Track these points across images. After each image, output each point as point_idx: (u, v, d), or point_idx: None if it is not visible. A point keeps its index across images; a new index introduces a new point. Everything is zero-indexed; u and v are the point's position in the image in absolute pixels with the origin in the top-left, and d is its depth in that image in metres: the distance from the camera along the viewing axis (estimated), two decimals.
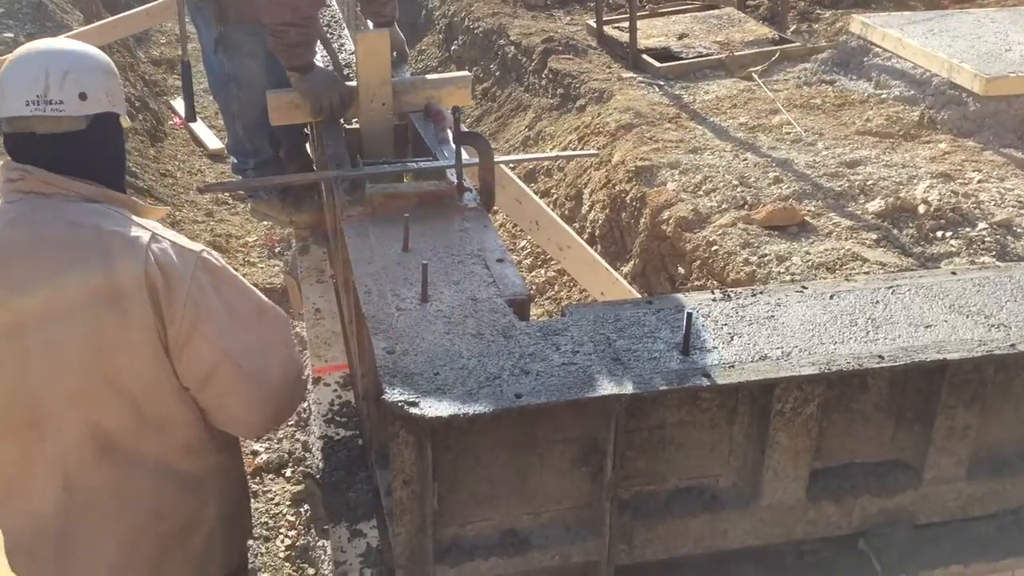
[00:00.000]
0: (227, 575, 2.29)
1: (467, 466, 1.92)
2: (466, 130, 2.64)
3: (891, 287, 2.23)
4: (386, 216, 2.57)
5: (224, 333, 2.04)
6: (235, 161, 3.53)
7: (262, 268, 5.85)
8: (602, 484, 1.96)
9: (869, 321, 2.10)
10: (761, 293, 2.22)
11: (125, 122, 2.17)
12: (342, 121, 3.21)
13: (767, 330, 2.08)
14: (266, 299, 2.21)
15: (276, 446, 4.40)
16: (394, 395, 1.85)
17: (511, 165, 4.27)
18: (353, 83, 3.17)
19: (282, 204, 3.54)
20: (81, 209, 2.00)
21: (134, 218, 2.06)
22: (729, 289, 2.26)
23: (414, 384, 1.89)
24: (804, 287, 2.25)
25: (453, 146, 2.72)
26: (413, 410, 1.82)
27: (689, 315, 1.99)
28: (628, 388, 1.89)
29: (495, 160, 2.76)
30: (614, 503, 1.97)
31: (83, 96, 2.01)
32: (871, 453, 2.10)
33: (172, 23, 6.36)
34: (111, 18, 6.41)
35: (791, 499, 2.05)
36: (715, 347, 2.02)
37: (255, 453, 4.34)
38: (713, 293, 2.23)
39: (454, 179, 2.71)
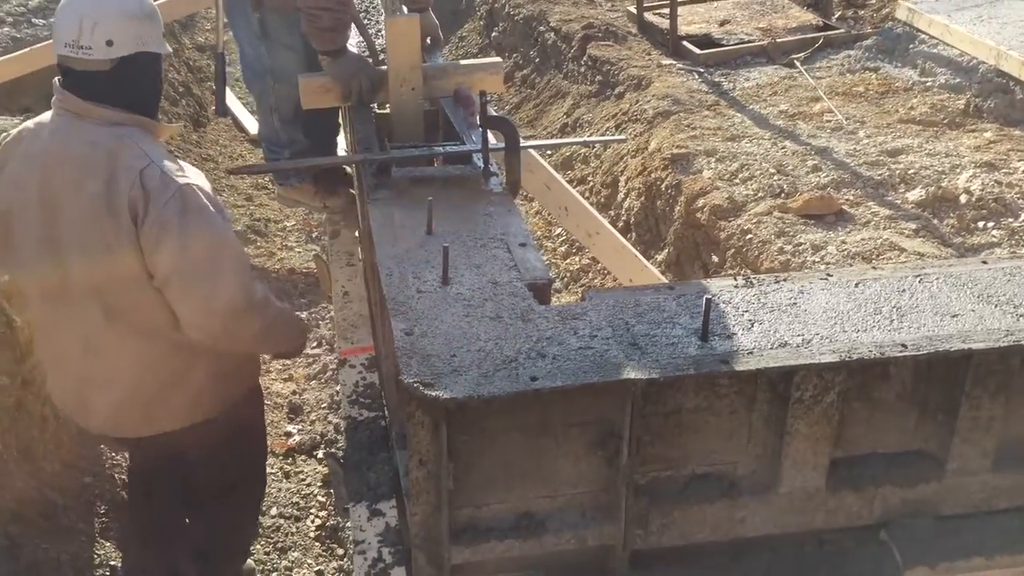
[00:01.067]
0: (224, 413, 2.77)
1: (483, 448, 1.93)
2: (493, 114, 2.63)
3: (919, 276, 2.19)
4: (411, 200, 2.59)
5: (178, 253, 2.45)
6: (269, 150, 3.55)
7: (299, 252, 5.91)
8: (618, 468, 1.96)
9: (894, 309, 2.06)
10: (785, 280, 2.20)
11: (165, 51, 2.60)
12: (373, 106, 3.23)
13: (788, 317, 2.06)
14: (232, 238, 2.63)
15: (308, 428, 4.45)
16: (411, 376, 1.87)
17: (541, 151, 4.26)
18: (384, 68, 3.18)
19: (315, 189, 3.56)
20: (102, 132, 2.47)
21: (144, 144, 2.48)
22: (752, 275, 2.24)
23: (431, 365, 1.90)
24: (829, 274, 2.22)
25: (480, 131, 2.72)
26: (429, 391, 1.83)
27: (708, 301, 1.97)
28: (644, 373, 1.88)
29: (522, 145, 2.76)
30: (630, 488, 1.97)
31: (110, 43, 2.43)
32: (893, 443, 2.07)
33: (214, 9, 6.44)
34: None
35: (810, 487, 2.03)
36: (734, 333, 2.00)
37: (288, 435, 4.39)
38: (735, 279, 2.21)
39: (481, 163, 2.72)
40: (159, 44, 2.57)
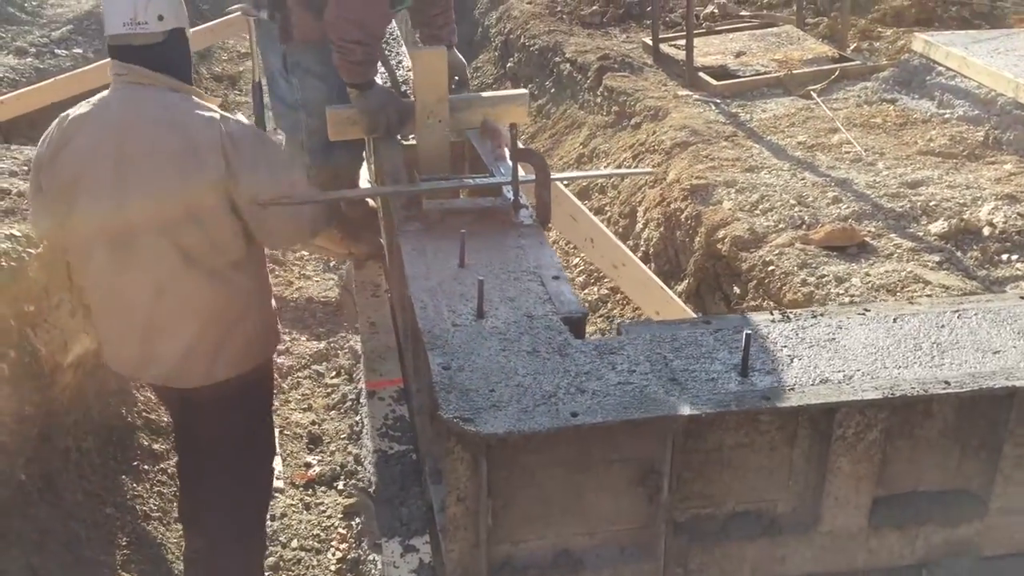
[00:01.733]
0: (258, 366, 3.10)
1: (521, 484, 1.91)
2: (522, 147, 2.64)
3: (957, 311, 2.18)
4: (442, 232, 2.59)
5: (266, 173, 2.84)
6: None
7: (317, 281, 5.91)
8: (658, 506, 1.94)
9: (934, 346, 2.05)
10: (822, 315, 2.19)
11: (188, 32, 2.96)
12: (399, 137, 3.24)
13: (828, 352, 2.04)
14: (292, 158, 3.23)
15: (328, 459, 4.43)
16: (450, 411, 1.85)
17: (566, 182, 4.26)
18: (411, 100, 3.19)
19: (340, 236, 3.55)
20: (169, 97, 2.84)
21: (202, 102, 2.89)
22: (789, 310, 2.23)
23: (470, 400, 1.88)
24: (867, 309, 2.21)
25: (509, 163, 2.72)
26: (468, 426, 1.81)
27: (748, 336, 1.96)
28: (686, 409, 1.86)
29: (552, 177, 2.76)
30: (670, 525, 1.95)
31: (161, 17, 2.81)
32: (935, 481, 2.05)
33: (234, 40, 6.50)
34: None
35: (852, 526, 2.00)
36: (774, 369, 1.99)
37: (307, 466, 4.37)
38: (772, 314, 2.20)
39: (510, 196, 2.72)
40: (186, 22, 2.96)
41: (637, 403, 1.88)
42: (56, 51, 5.88)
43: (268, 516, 3.79)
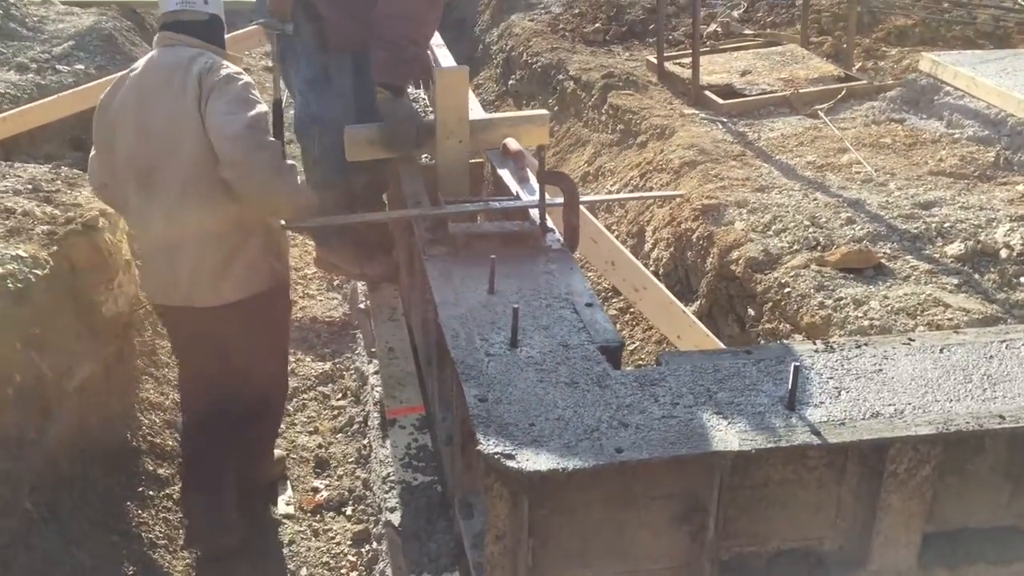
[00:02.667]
0: (265, 291, 3.43)
1: (561, 521, 1.84)
2: (552, 170, 2.58)
3: (1004, 341, 2.13)
4: (468, 256, 2.52)
5: (221, 98, 3.17)
6: None
7: (321, 301, 5.83)
8: (702, 544, 1.87)
9: (985, 377, 1.99)
10: (866, 345, 2.13)
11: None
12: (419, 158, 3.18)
13: (876, 385, 1.98)
14: (261, 103, 3.27)
15: (336, 483, 4.34)
16: (489, 446, 1.79)
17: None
18: (431, 119, 3.13)
19: (354, 255, 3.49)
20: (187, 51, 3.32)
21: (214, 57, 3.31)
22: (832, 340, 2.17)
23: (509, 435, 1.82)
24: (911, 339, 2.15)
25: (535, 185, 2.66)
26: (510, 463, 1.75)
27: (796, 368, 1.90)
28: (734, 444, 1.80)
29: (580, 201, 2.70)
30: (715, 564, 1.88)
31: (205, 2, 3.38)
32: (986, 518, 1.99)
33: (245, 53, 6.42)
34: None
35: (902, 565, 1.94)
36: (822, 402, 1.93)
37: (315, 490, 4.28)
38: (815, 343, 2.14)
39: (537, 219, 2.66)
40: (221, 9, 3.48)
41: (683, 438, 1.82)
42: (58, 67, 5.81)
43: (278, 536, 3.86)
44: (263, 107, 3.25)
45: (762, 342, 4.28)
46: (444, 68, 3.11)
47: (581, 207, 3.63)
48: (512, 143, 3.05)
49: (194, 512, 3.62)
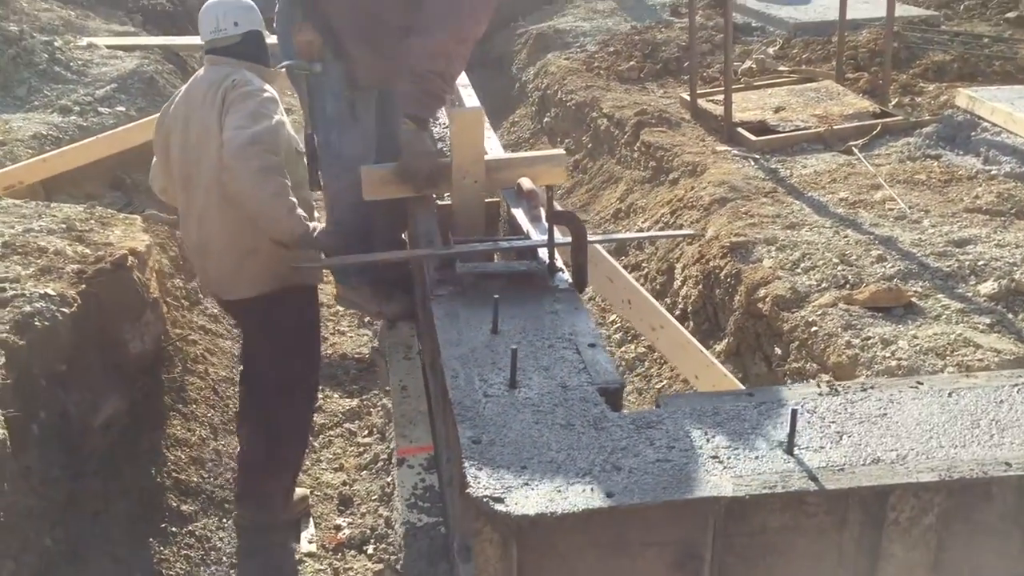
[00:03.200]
0: (283, 289, 3.72)
1: (552, 567, 1.82)
2: (560, 209, 2.58)
3: (1016, 385, 2.07)
4: (476, 296, 2.52)
5: (239, 119, 3.45)
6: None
7: (351, 338, 5.87)
8: None
9: (993, 422, 1.94)
10: (872, 388, 2.08)
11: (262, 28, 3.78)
12: (434, 197, 3.20)
13: (879, 429, 1.94)
14: (277, 124, 3.53)
15: (359, 521, 4.34)
16: (479, 489, 1.78)
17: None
18: (448, 159, 3.15)
19: (372, 293, 3.51)
20: (225, 69, 3.66)
21: (246, 73, 3.61)
22: (837, 383, 2.13)
23: (500, 478, 1.80)
24: (919, 382, 2.10)
25: (546, 225, 2.66)
26: (498, 506, 1.73)
27: (794, 412, 1.86)
28: (728, 490, 1.77)
29: (590, 240, 2.70)
30: None
31: (236, 24, 3.71)
32: (996, 568, 1.92)
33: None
34: None
35: None
36: (822, 447, 1.89)
37: (337, 528, 4.28)
38: (819, 386, 2.10)
39: (546, 258, 2.65)
40: (260, 23, 3.77)
41: (676, 483, 1.79)
42: (99, 109, 5.97)
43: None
44: (273, 121, 3.49)
45: (788, 382, 4.21)
46: (459, 109, 3.14)
47: (599, 247, 3.64)
48: (526, 182, 3.06)
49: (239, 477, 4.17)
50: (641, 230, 6.22)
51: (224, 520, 4.07)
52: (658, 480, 1.79)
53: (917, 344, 3.86)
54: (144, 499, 3.80)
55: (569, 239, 2.63)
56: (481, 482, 1.79)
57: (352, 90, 3.44)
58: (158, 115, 3.96)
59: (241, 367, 4.34)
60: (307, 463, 4.70)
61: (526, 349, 2.26)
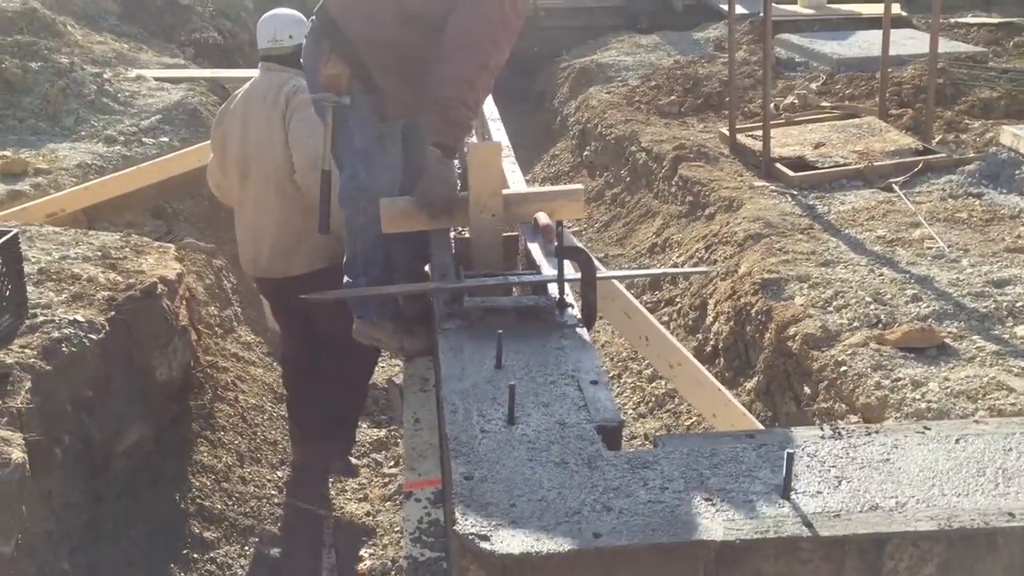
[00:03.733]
0: (329, 267, 4.18)
1: None
2: (569, 245, 2.57)
3: None
4: (483, 330, 2.52)
5: (307, 127, 4.04)
6: (349, 280, 3.49)
7: (382, 367, 5.88)
8: None
9: (999, 471, 1.88)
10: (877, 432, 2.03)
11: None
12: (451, 231, 3.21)
13: (880, 475, 1.89)
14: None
15: (381, 552, 4.33)
16: (466, 526, 1.76)
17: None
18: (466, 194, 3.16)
19: (393, 329, 3.47)
20: (280, 75, 4.30)
21: (302, 80, 3.81)
22: (841, 425, 2.08)
23: (489, 515, 1.79)
24: (926, 427, 2.05)
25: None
26: (484, 544, 1.72)
27: (790, 455, 1.82)
28: (718, 533, 1.73)
29: (600, 275, 2.68)
30: None
31: (290, 37, 4.35)
32: None
33: None
34: None
35: None
36: (820, 492, 1.84)
37: (360, 559, 4.28)
38: (822, 428, 2.06)
39: (555, 294, 2.65)
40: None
41: (666, 524, 1.76)
42: (144, 139, 6.12)
43: None
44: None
45: (817, 422, 4.13)
46: (477, 144, 3.15)
47: (617, 283, 3.62)
48: (543, 217, 3.05)
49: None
50: (676, 264, 6.18)
51: (245, 548, 4.09)
52: (648, 522, 1.76)
53: (948, 386, 3.77)
54: (166, 525, 3.84)
55: (579, 275, 2.62)
56: (468, 519, 1.78)
57: (378, 124, 3.45)
58: (214, 125, 4.68)
59: (283, 351, 5.05)
60: (332, 492, 4.72)
61: (528, 385, 2.25)
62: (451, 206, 3.09)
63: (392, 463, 4.93)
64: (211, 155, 4.64)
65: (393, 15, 3.17)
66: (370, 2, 3.25)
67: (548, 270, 2.82)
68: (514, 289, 3.06)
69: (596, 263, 2.70)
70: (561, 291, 2.61)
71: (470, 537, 1.73)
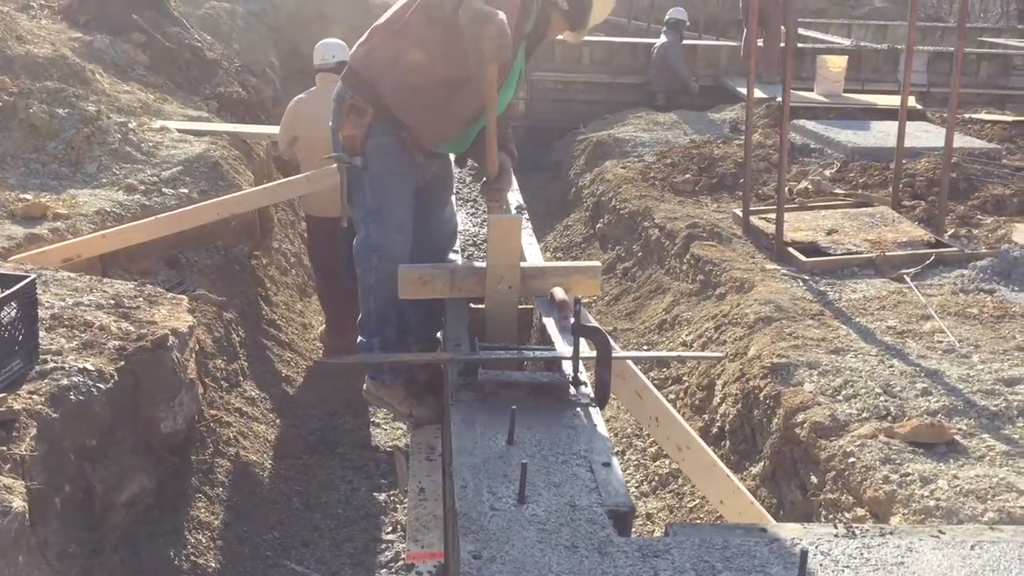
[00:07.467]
0: None
1: None
2: (586, 324, 2.58)
3: None
4: (496, 404, 2.52)
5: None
6: (362, 340, 3.49)
7: (387, 430, 5.86)
8: None
9: None
10: (891, 533, 2.01)
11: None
12: (469, 302, 3.22)
13: None
14: None
15: None
16: None
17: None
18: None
19: (405, 394, 3.46)
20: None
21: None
22: (855, 524, 2.06)
23: None
24: (942, 531, 2.02)
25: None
26: None
27: (804, 552, 1.80)
28: None
29: (618, 355, 2.68)
30: None
31: (333, 56, 6.52)
32: None
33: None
34: (275, 183, 6.87)
35: None
36: None
37: None
38: (835, 527, 2.03)
39: (570, 371, 2.64)
40: (344, 55, 6.12)
41: None
42: (164, 190, 6.17)
43: None
44: None
45: (823, 513, 4.09)
46: (497, 217, 3.18)
47: (630, 362, 3.61)
48: (558, 292, 3.07)
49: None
50: (685, 343, 6.17)
51: None
52: None
53: (957, 485, 3.73)
54: None
55: (594, 354, 2.61)
56: None
57: (422, 155, 3.61)
58: (292, 108, 6.61)
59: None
60: (327, 555, 4.65)
61: (539, 463, 2.23)
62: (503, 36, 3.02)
63: (390, 529, 4.87)
64: (282, 129, 6.67)
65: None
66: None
67: (562, 346, 2.82)
68: (527, 364, 3.05)
69: (612, 343, 2.70)
70: (576, 369, 2.61)
71: None
